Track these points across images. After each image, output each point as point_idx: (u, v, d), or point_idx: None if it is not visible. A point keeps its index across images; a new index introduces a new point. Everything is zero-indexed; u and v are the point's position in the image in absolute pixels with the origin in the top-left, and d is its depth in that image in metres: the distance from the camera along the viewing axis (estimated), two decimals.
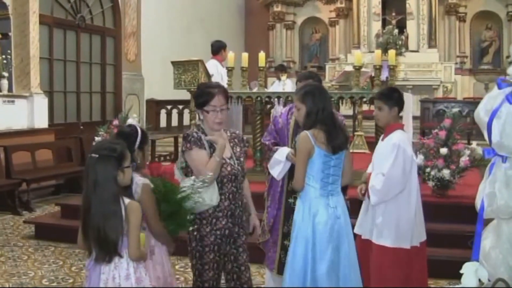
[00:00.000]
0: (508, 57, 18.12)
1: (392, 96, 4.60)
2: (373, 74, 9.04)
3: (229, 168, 4.02)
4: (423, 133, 12.25)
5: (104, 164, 3.26)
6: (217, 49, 10.05)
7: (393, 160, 4.35)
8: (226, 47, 10.03)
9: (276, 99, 8.10)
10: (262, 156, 7.77)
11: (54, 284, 5.98)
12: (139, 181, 3.76)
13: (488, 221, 2.90)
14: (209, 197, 3.87)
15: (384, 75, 16.45)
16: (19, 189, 9.61)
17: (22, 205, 9.61)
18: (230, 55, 8.66)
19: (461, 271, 2.21)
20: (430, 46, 18.76)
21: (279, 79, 12.97)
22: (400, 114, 4.91)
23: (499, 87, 2.87)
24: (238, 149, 4.17)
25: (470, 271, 2.17)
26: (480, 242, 2.66)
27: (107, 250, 3.25)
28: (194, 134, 4.02)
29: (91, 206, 3.25)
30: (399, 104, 4.61)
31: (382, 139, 4.66)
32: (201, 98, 4.02)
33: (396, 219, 4.40)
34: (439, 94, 18.07)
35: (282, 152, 4.73)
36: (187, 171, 4.07)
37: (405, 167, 4.38)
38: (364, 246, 4.53)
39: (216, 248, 4.01)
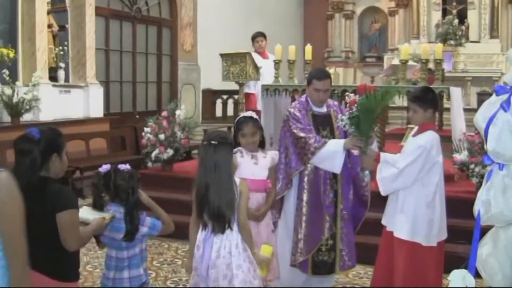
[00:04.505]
0: None
1: (426, 99, 4.53)
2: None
3: None
4: None
5: (222, 149, 3.76)
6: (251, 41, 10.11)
7: (412, 161, 4.34)
8: (255, 37, 10.03)
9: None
10: None
11: (97, 271, 6.19)
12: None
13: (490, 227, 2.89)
14: None
15: (448, 66, 16.20)
16: (73, 176, 9.93)
17: (76, 192, 9.89)
18: (278, 47, 8.71)
19: (448, 278, 2.22)
20: (491, 37, 18.24)
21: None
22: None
23: (497, 94, 2.84)
24: None
25: (457, 279, 2.18)
26: (477, 248, 2.65)
27: (223, 224, 3.72)
28: None
29: (209, 186, 3.70)
30: (434, 104, 4.56)
31: (414, 135, 4.63)
32: None
33: (414, 214, 4.39)
34: None
35: (336, 144, 4.73)
36: None
37: (424, 168, 4.36)
38: (388, 237, 4.56)
39: None
